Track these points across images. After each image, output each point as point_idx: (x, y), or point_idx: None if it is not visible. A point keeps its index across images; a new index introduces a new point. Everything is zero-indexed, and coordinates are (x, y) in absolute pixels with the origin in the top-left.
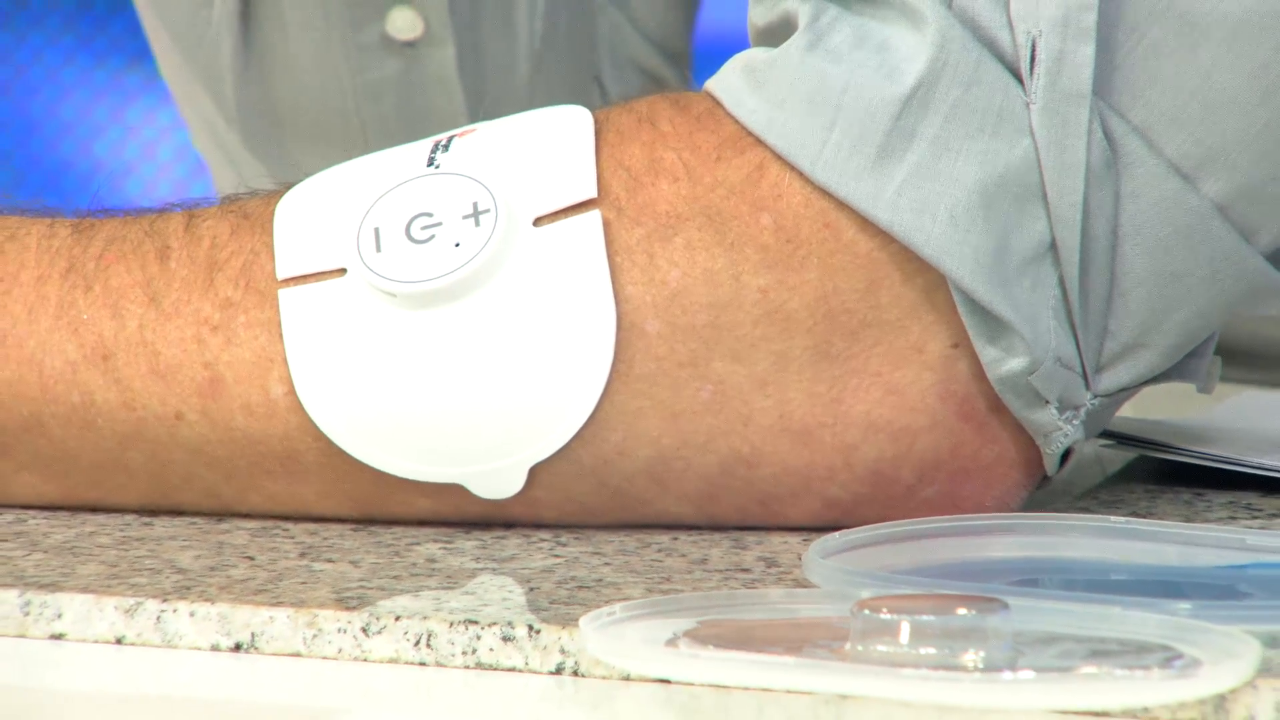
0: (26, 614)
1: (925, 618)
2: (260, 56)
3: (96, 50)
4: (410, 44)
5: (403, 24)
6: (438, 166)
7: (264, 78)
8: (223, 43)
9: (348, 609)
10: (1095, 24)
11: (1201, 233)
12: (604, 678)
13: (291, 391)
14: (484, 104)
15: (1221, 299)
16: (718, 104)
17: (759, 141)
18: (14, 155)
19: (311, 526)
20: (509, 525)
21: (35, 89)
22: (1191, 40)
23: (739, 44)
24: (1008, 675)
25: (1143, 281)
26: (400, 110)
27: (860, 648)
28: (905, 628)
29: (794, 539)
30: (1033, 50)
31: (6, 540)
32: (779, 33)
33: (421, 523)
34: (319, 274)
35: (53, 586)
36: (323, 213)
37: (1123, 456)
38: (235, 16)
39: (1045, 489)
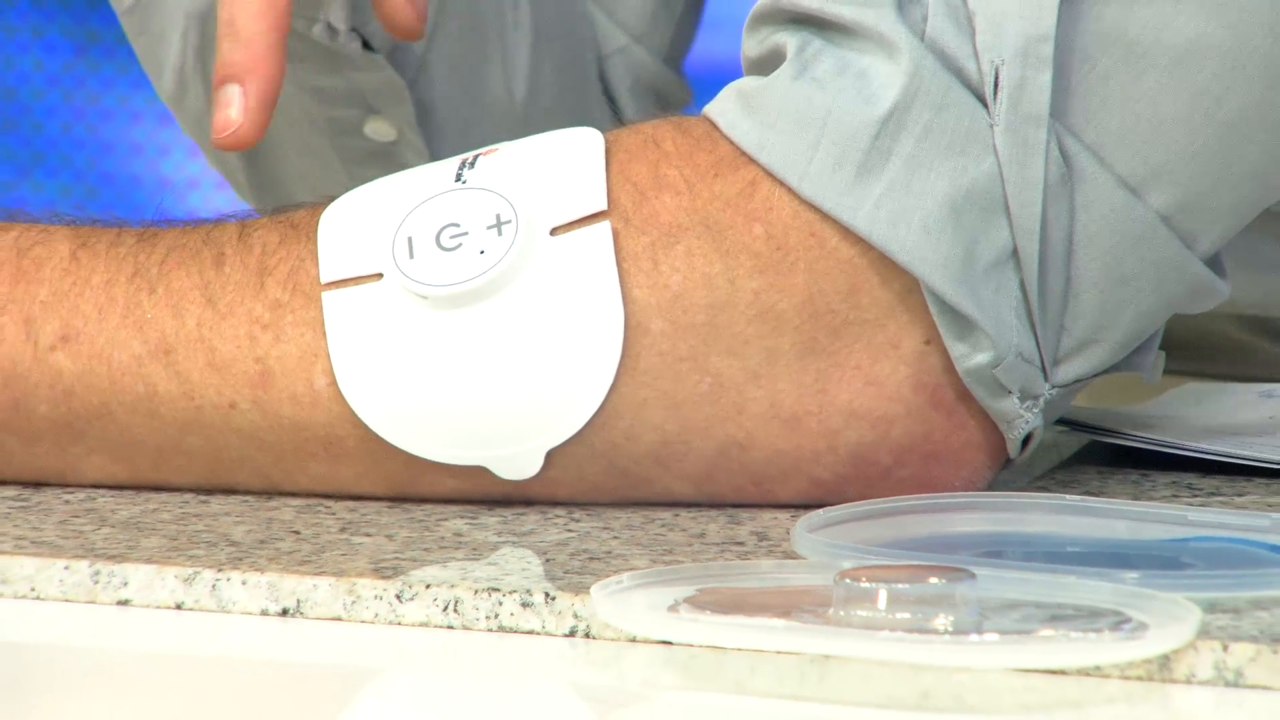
0: (96, 582)
1: (900, 586)
2: (263, 153)
3: None
4: (391, 144)
5: (378, 130)
6: (465, 182)
7: (269, 169)
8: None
9: (383, 578)
10: (1052, 54)
11: (1147, 241)
12: (613, 640)
13: (334, 383)
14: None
15: (1165, 299)
16: (714, 126)
17: (752, 160)
18: (89, 173)
19: (351, 504)
20: (528, 503)
21: (109, 114)
22: (1138, 69)
23: (733, 73)
24: (974, 637)
25: (1095, 284)
26: None
27: (842, 613)
28: (883, 595)
29: (783, 515)
30: (996, 78)
31: (79, 516)
32: (769, 63)
33: (449, 501)
34: (358, 278)
35: (119, 558)
36: (361, 223)
37: (1077, 441)
38: None
39: (1008, 470)
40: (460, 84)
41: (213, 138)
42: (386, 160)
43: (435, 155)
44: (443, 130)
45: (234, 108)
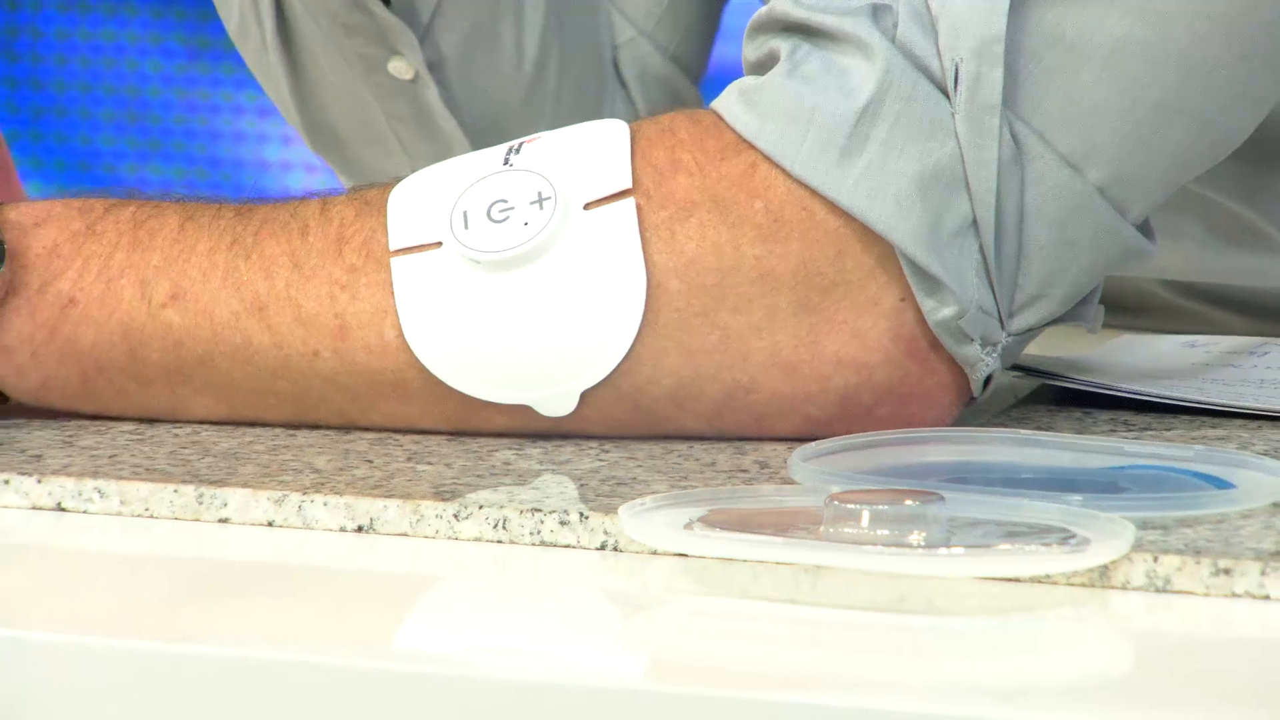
0: (200, 503)
1: (881, 507)
2: (309, 90)
3: None
4: (410, 81)
5: (398, 68)
6: (511, 165)
7: (316, 105)
8: (281, 81)
9: (443, 500)
10: (1003, 53)
11: (1086, 210)
12: (637, 553)
13: (401, 335)
14: (478, 126)
15: (1102, 259)
16: (720, 118)
17: (752, 146)
18: (199, 158)
19: (416, 437)
20: (565, 437)
21: (217, 109)
22: (1076, 64)
23: (736, 73)
24: (943, 551)
25: (1042, 247)
26: (418, 129)
27: (831, 530)
28: (865, 515)
29: (781, 447)
30: (956, 73)
31: (186, 448)
32: (766, 64)
33: (498, 435)
34: (421, 246)
35: (220, 482)
36: (424, 199)
37: (1029, 384)
38: (284, 62)
39: (971, 408)
40: (472, 36)
41: None
42: (411, 97)
43: (447, 100)
44: (452, 80)
45: None
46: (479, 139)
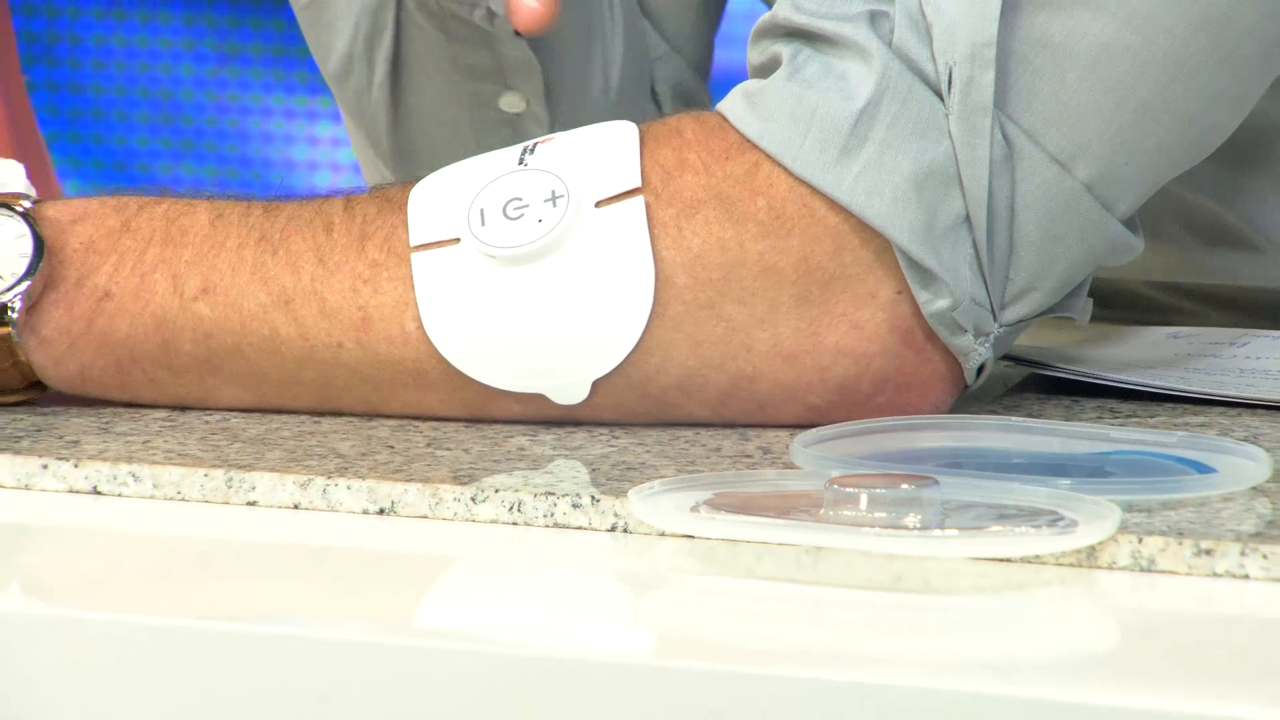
0: (229, 486)
1: (878, 490)
2: (407, 123)
3: (292, 85)
4: (517, 115)
5: (510, 103)
6: (526, 165)
7: (410, 137)
8: (380, 117)
9: (461, 484)
10: (994, 57)
11: (1074, 206)
12: (645, 534)
13: (421, 327)
14: None
15: (1090, 254)
16: (725, 119)
17: (755, 146)
18: (230, 158)
19: (435, 424)
20: (577, 424)
21: (246, 111)
22: (1063, 67)
23: (740, 76)
24: (938, 533)
25: (1032, 242)
26: None
27: (831, 512)
28: (864, 498)
29: (783, 434)
30: (950, 76)
31: (215, 434)
32: (768, 68)
33: (514, 422)
34: (440, 242)
35: (248, 467)
36: (443, 197)
37: (1020, 373)
38: (387, 99)
39: (964, 396)
40: (573, 70)
41: (513, 20)
42: (512, 130)
43: (554, 127)
44: (559, 107)
45: None
46: None
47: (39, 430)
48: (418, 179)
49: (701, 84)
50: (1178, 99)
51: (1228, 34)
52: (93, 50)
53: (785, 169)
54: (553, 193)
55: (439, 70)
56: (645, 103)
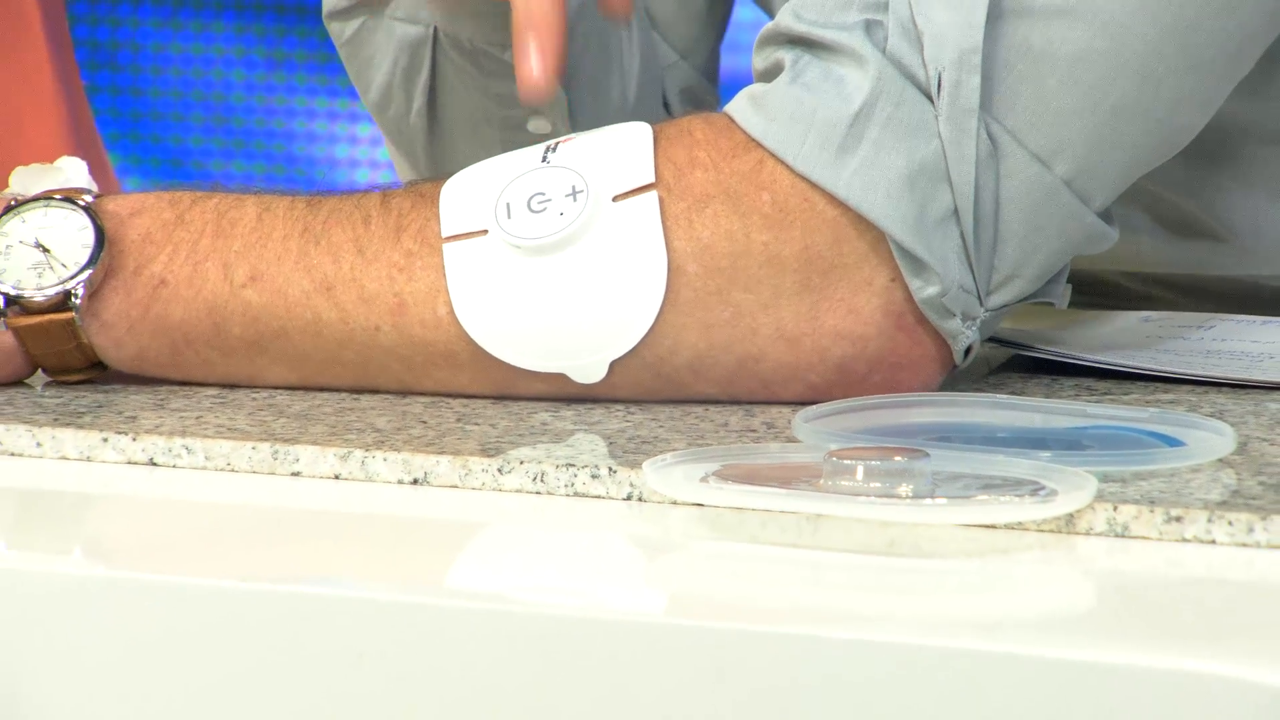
0: (275, 459)
1: (873, 462)
2: (442, 145)
3: (334, 89)
4: (545, 136)
5: (538, 126)
6: (548, 162)
7: (445, 159)
8: (418, 141)
9: (489, 456)
10: (980, 62)
11: (1054, 200)
12: (659, 503)
13: (451, 312)
14: None
15: (1068, 243)
16: (732, 120)
17: (759, 145)
18: (277, 156)
19: (464, 401)
20: (596, 401)
21: (293, 113)
22: (1043, 71)
23: (745, 80)
24: (928, 501)
25: (1015, 233)
26: None
27: (829, 483)
28: (860, 469)
29: (786, 410)
30: (939, 81)
31: (263, 410)
32: (772, 73)
33: (537, 399)
34: (470, 233)
35: (293, 440)
36: (472, 192)
37: (1004, 354)
38: (424, 127)
39: (953, 375)
40: (594, 91)
41: (520, 92)
42: None
43: None
44: (579, 126)
45: (533, 65)
46: None
47: (100, 407)
48: (448, 176)
49: (709, 86)
50: (1149, 101)
51: (1195, 41)
52: (152, 57)
53: (787, 166)
54: (573, 188)
55: (471, 99)
56: (657, 108)
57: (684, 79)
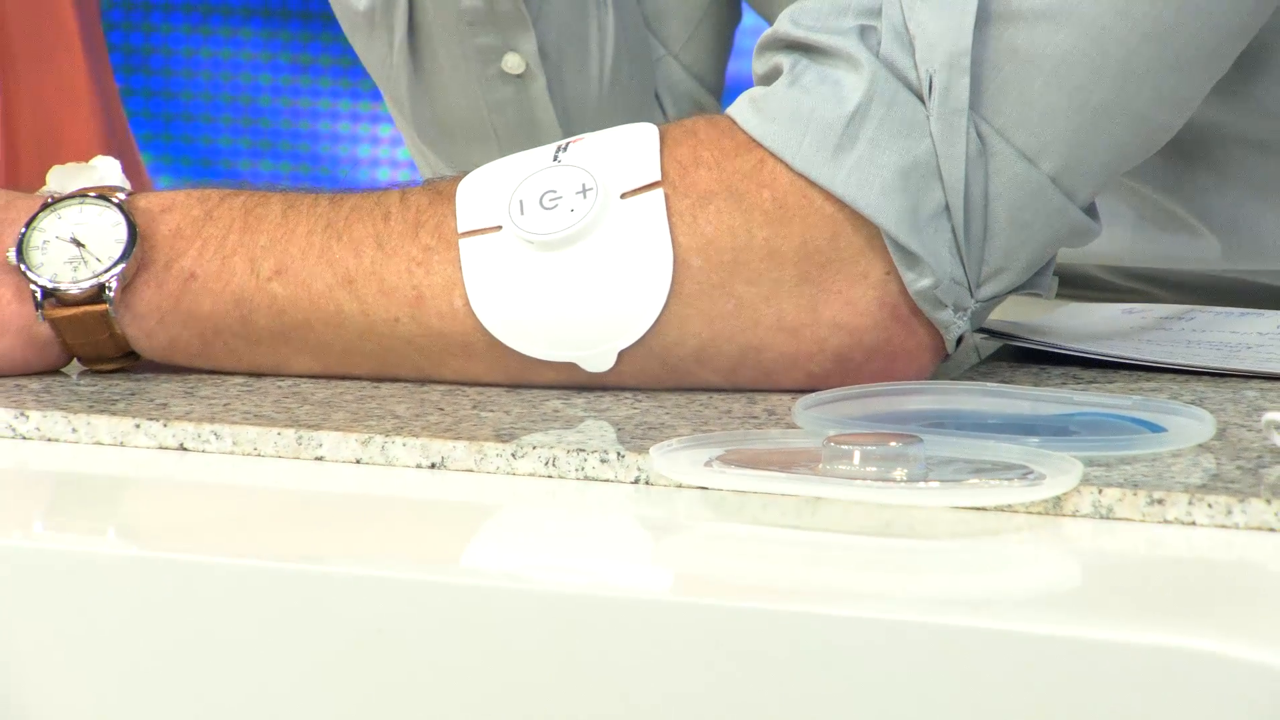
0: (299, 444)
1: (870, 447)
2: (425, 86)
3: (357, 92)
4: (518, 76)
5: (512, 64)
6: (559, 161)
7: (429, 100)
8: (401, 79)
9: (503, 442)
10: (969, 64)
11: (1040, 196)
12: (665, 486)
13: (467, 304)
14: (569, 116)
15: (1054, 237)
16: (734, 122)
17: (760, 145)
18: (302, 156)
19: (480, 389)
20: (605, 389)
21: (317, 115)
22: (1029, 73)
23: (746, 84)
24: (922, 485)
25: (1003, 228)
26: (517, 120)
27: (828, 467)
28: (857, 454)
29: (786, 398)
30: (930, 82)
31: (288, 396)
32: (771, 76)
33: (549, 387)
34: (485, 229)
35: (316, 426)
36: (487, 190)
37: (993, 344)
38: (406, 61)
39: (945, 364)
40: (566, 36)
41: None
42: (515, 90)
43: (553, 93)
44: (558, 77)
45: None
46: (568, 133)
47: (133, 394)
48: (465, 174)
49: (701, 88)
50: (1130, 100)
51: (1173, 43)
52: (183, 62)
53: (787, 165)
54: (583, 186)
55: (447, 28)
56: (648, 99)
57: (672, 76)
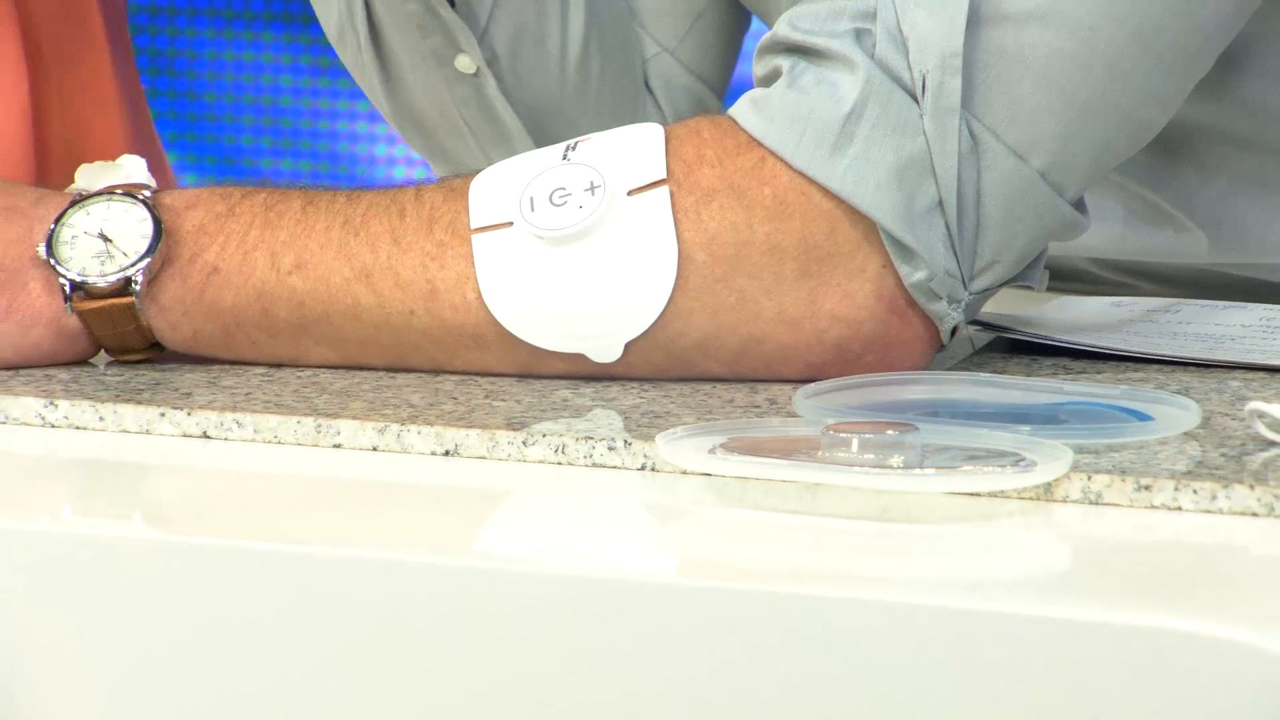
0: (318, 432)
1: (867, 435)
2: (394, 84)
3: None
4: (474, 75)
5: (464, 64)
6: (568, 159)
7: (403, 99)
8: (374, 79)
9: (514, 430)
10: (961, 65)
11: (1030, 191)
12: (670, 473)
13: (480, 297)
14: (536, 111)
15: (1044, 231)
16: (735, 122)
17: (760, 144)
18: (322, 155)
19: (492, 380)
20: (612, 379)
21: (336, 115)
22: (1019, 72)
23: (747, 85)
24: (918, 471)
25: (995, 222)
26: (482, 118)
27: (827, 454)
28: (855, 441)
29: (787, 388)
30: (923, 82)
31: (306, 386)
32: (771, 78)
33: (558, 377)
34: (497, 225)
35: (334, 415)
36: (498, 187)
37: (986, 336)
38: (374, 62)
39: (940, 355)
40: (520, 37)
41: None
42: (474, 89)
43: (509, 89)
44: (505, 75)
45: None
46: (533, 129)
47: (157, 384)
48: (477, 172)
49: (701, 85)
50: (1116, 99)
51: (1158, 42)
52: (207, 64)
53: (786, 163)
54: (591, 183)
55: (402, 30)
56: (632, 94)
57: (668, 71)
